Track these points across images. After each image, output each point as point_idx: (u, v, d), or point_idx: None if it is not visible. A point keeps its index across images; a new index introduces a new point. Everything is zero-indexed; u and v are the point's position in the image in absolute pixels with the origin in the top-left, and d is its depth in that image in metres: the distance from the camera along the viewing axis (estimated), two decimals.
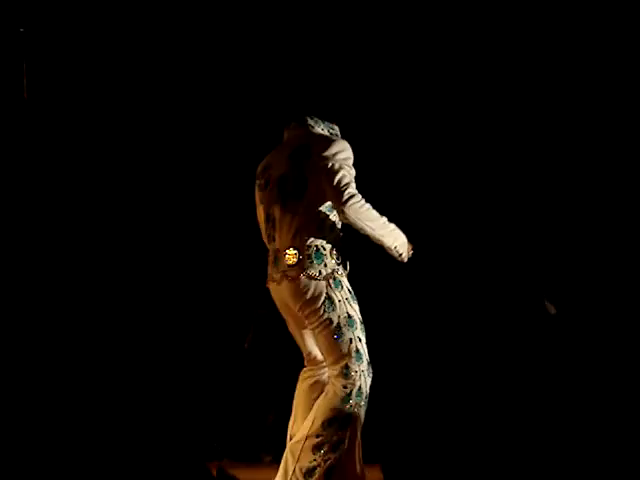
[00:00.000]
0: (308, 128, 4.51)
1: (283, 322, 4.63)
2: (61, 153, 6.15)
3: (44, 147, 6.05)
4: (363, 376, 4.33)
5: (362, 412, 4.37)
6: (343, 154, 4.30)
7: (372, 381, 4.41)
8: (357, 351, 4.33)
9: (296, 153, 4.39)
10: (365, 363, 4.35)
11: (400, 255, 4.39)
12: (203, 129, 6.41)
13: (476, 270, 6.37)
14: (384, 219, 4.33)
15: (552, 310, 6.21)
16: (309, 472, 4.33)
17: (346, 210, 4.24)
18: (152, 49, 6.25)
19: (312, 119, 4.52)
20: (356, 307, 4.38)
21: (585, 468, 4.87)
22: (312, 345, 4.52)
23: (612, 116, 6.21)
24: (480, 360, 6.26)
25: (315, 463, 4.34)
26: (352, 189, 4.25)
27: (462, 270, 6.39)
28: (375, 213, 4.30)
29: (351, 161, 4.33)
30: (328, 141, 4.36)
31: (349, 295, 4.37)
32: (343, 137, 4.50)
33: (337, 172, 4.26)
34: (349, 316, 4.33)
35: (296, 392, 4.58)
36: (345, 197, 4.22)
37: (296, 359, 4.67)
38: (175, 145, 6.35)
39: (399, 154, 6.39)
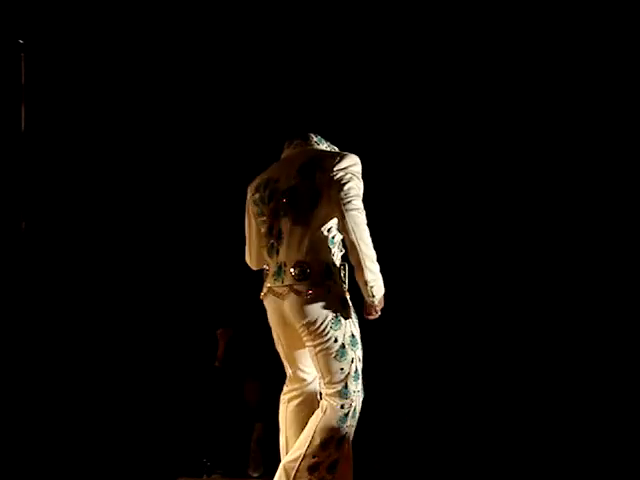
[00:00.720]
0: (313, 145, 4.48)
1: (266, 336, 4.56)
2: (60, 155, 6.17)
3: (42, 149, 6.08)
4: (358, 396, 4.29)
5: (352, 432, 4.34)
6: (355, 167, 4.26)
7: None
8: (356, 371, 4.28)
9: (307, 166, 4.33)
10: (360, 383, 4.31)
11: (371, 297, 4.24)
12: (196, 140, 6.42)
13: (474, 269, 6.38)
14: (375, 254, 4.23)
15: None
16: None
17: (348, 218, 4.17)
18: (152, 56, 6.26)
19: (316, 136, 4.49)
20: (357, 326, 4.31)
21: (583, 468, 4.97)
22: (303, 364, 4.45)
23: (612, 116, 6.20)
24: (473, 363, 6.22)
25: None
26: (358, 202, 4.20)
27: (461, 269, 6.40)
28: (370, 240, 4.21)
29: (360, 175, 4.28)
30: (340, 155, 4.30)
31: (353, 314, 4.30)
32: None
33: (347, 182, 4.20)
34: (353, 335, 4.27)
35: (282, 413, 4.51)
36: (350, 207, 4.16)
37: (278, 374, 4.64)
38: (168, 150, 6.35)
39: (397, 157, 6.42)
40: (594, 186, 6.22)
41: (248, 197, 4.54)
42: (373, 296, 4.23)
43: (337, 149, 4.50)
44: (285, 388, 4.51)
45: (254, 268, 4.61)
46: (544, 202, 6.29)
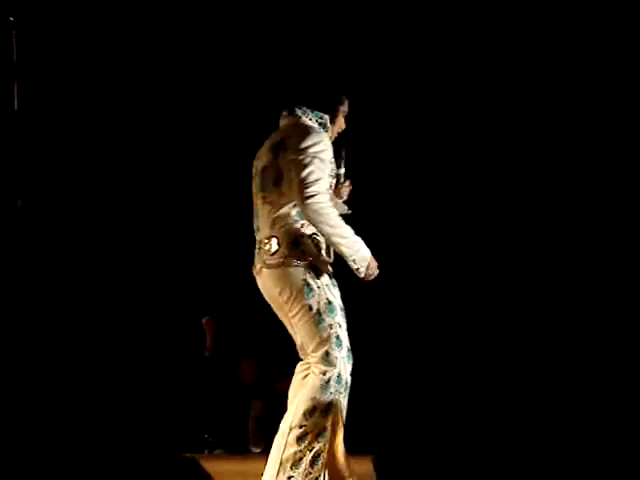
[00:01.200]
0: (296, 118, 4.43)
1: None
2: (53, 134, 6.16)
3: (38, 147, 6.09)
4: (343, 362, 4.26)
5: (343, 399, 4.31)
6: (316, 147, 4.22)
7: (356, 370, 4.33)
8: (337, 337, 4.26)
9: (276, 145, 4.33)
10: (345, 350, 4.28)
11: (357, 269, 4.27)
12: (193, 130, 6.39)
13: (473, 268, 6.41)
14: (347, 228, 4.24)
15: None
16: (295, 464, 4.28)
17: (305, 208, 4.17)
18: (147, 46, 6.24)
19: (300, 109, 4.43)
20: (337, 293, 4.31)
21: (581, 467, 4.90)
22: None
23: (612, 116, 6.23)
24: (471, 353, 6.25)
25: (300, 454, 4.28)
26: (317, 187, 4.16)
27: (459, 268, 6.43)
28: (337, 219, 4.21)
29: (326, 154, 4.25)
30: (304, 134, 4.27)
31: (329, 281, 4.30)
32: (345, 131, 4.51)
33: (305, 167, 4.18)
34: (329, 302, 4.27)
35: (291, 385, 4.49)
36: (306, 194, 4.15)
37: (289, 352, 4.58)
38: (161, 130, 6.31)
39: (395, 155, 6.44)
40: (593, 186, 6.23)
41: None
42: (358, 269, 4.24)
43: (326, 117, 4.42)
44: (300, 362, 4.49)
45: None
46: (543, 201, 6.31)
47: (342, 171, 4.56)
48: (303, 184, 4.17)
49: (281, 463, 4.30)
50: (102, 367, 6.11)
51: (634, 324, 6.07)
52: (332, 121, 4.46)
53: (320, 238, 4.31)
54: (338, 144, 4.50)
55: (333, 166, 4.35)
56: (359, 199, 5.58)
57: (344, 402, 4.32)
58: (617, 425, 5.46)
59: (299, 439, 4.28)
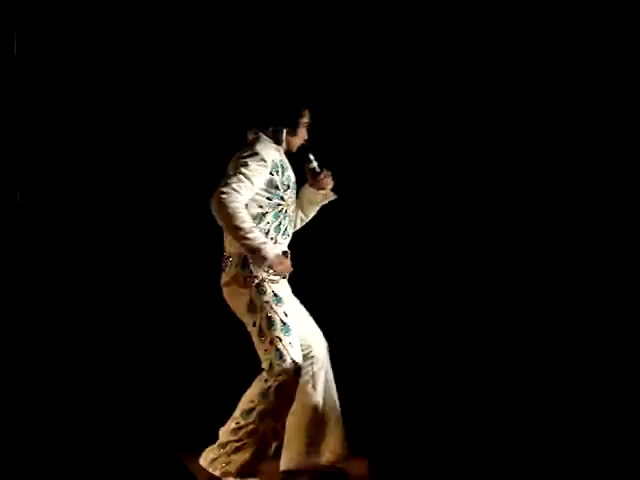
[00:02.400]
0: (256, 134, 4.82)
1: None
2: (54, 151, 6.19)
3: (36, 144, 6.13)
4: (285, 377, 4.63)
5: (283, 411, 4.70)
6: (252, 157, 4.64)
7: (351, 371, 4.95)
8: (277, 350, 4.63)
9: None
10: (289, 362, 4.63)
11: (255, 263, 4.65)
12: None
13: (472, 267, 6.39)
14: (252, 226, 4.53)
15: None
16: (232, 451, 4.72)
17: (213, 200, 4.50)
18: (145, 50, 6.25)
19: (258, 126, 4.83)
20: (280, 309, 4.67)
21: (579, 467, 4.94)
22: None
23: (611, 116, 6.22)
24: (467, 352, 6.26)
25: (231, 447, 4.72)
26: (232, 187, 4.50)
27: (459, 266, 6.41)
28: (243, 216, 4.50)
29: (261, 163, 4.60)
30: (247, 148, 4.71)
31: (272, 299, 4.68)
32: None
33: (234, 169, 4.60)
34: (269, 318, 4.65)
35: None
36: (220, 189, 4.50)
37: None
38: (162, 108, 6.30)
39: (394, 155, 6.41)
40: (593, 186, 6.24)
41: None
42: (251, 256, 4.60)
43: (283, 132, 4.79)
44: None
45: None
46: (542, 201, 6.32)
47: (314, 164, 4.94)
48: (222, 181, 4.55)
49: (218, 450, 4.76)
50: (102, 364, 6.15)
51: (634, 324, 6.09)
52: (293, 133, 4.84)
53: None
54: (305, 150, 4.93)
55: (280, 178, 4.71)
56: (360, 200, 6.11)
57: (284, 414, 4.71)
58: (617, 425, 5.51)
59: (233, 432, 4.73)
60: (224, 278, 4.76)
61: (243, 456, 4.67)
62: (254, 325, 4.70)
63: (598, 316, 6.11)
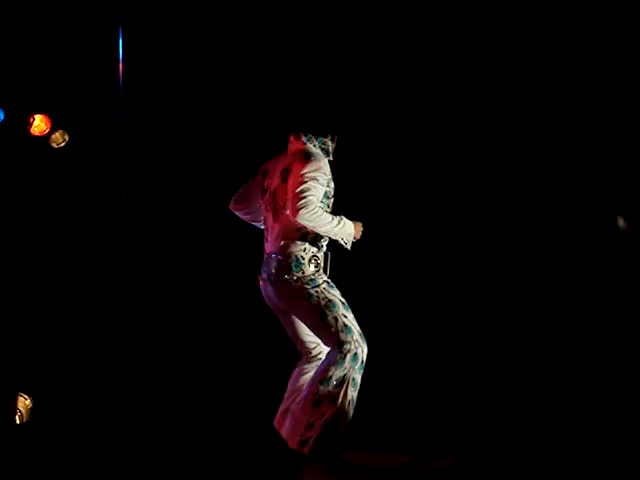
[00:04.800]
0: (301, 143, 5.14)
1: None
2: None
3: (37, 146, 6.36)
4: (357, 344, 5.03)
5: (357, 376, 5.05)
6: (314, 173, 4.98)
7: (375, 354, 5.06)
8: (345, 325, 5.02)
9: (284, 171, 5.10)
10: (356, 333, 5.06)
11: (346, 244, 5.11)
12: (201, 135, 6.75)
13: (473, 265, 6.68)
14: (334, 221, 5.00)
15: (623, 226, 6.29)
16: (309, 426, 5.02)
17: (299, 218, 4.91)
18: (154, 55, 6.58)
19: (306, 136, 5.17)
20: (336, 292, 5.09)
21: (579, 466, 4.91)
22: (303, 335, 5.25)
23: (611, 117, 6.33)
24: (468, 351, 6.52)
25: (313, 419, 5.01)
26: (306, 199, 4.91)
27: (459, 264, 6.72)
28: (326, 218, 4.97)
29: (322, 178, 4.99)
30: (306, 161, 5.01)
31: (326, 285, 5.08)
32: (343, 144, 5.21)
33: (300, 184, 4.94)
34: (329, 300, 5.04)
35: (291, 378, 5.29)
36: (298, 206, 4.90)
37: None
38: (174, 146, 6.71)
39: (396, 155, 6.71)
40: (592, 186, 6.41)
41: (260, 171, 5.31)
42: (346, 243, 5.11)
43: (329, 143, 5.14)
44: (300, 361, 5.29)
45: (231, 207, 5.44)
46: (541, 200, 6.52)
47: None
48: (295, 198, 4.92)
49: (299, 428, 5.03)
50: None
51: (634, 324, 6.21)
52: (333, 142, 5.19)
53: (319, 258, 5.11)
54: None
55: (330, 189, 5.09)
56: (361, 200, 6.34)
57: (358, 378, 5.04)
58: (617, 425, 5.47)
59: (314, 405, 5.02)
60: (274, 277, 5.09)
61: (335, 423, 4.98)
62: (316, 311, 5.02)
63: (598, 315, 6.33)
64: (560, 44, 6.38)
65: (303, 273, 5.06)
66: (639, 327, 6.23)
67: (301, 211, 4.88)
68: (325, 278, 5.11)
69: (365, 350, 5.08)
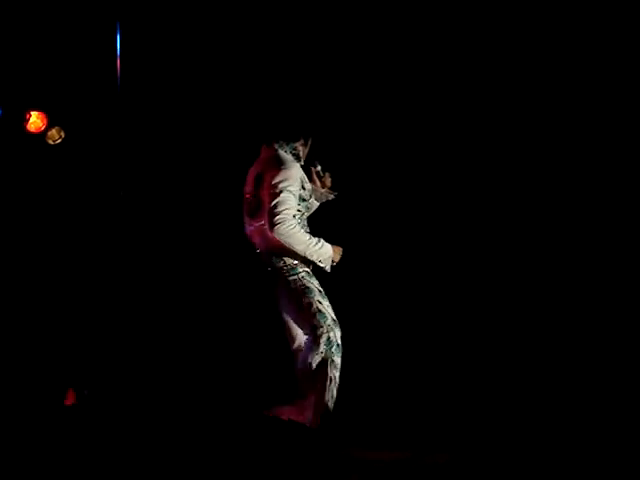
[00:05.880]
0: (273, 150, 5.29)
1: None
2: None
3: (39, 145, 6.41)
4: (329, 327, 5.24)
5: (336, 358, 5.23)
6: (285, 182, 5.16)
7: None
8: (319, 311, 5.24)
9: (257, 178, 5.29)
10: (329, 319, 5.25)
11: (324, 267, 5.28)
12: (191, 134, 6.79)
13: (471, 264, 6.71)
14: (310, 240, 5.20)
15: None
16: (299, 412, 5.27)
17: (275, 233, 5.14)
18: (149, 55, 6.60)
19: (277, 142, 5.31)
20: (314, 281, 5.27)
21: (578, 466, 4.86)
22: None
23: (611, 117, 6.34)
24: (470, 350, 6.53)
25: (302, 406, 5.27)
26: (283, 215, 5.13)
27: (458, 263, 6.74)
28: (302, 236, 5.18)
29: (294, 187, 5.16)
30: (277, 170, 5.19)
31: (305, 274, 5.26)
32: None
33: (274, 198, 5.16)
34: (306, 287, 5.26)
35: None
36: (274, 222, 5.12)
37: None
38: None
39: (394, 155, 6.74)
40: (592, 186, 6.42)
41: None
42: (325, 266, 5.29)
43: (300, 150, 5.29)
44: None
45: None
46: (541, 200, 6.53)
47: (319, 168, 5.51)
48: (271, 213, 5.13)
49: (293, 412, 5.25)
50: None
51: (634, 324, 6.23)
52: (305, 147, 5.35)
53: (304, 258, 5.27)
54: (312, 158, 5.42)
55: (306, 191, 5.26)
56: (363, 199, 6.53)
57: (337, 360, 5.22)
58: (617, 425, 5.44)
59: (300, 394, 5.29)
60: (266, 270, 5.35)
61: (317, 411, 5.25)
62: (292, 296, 5.29)
63: (597, 314, 6.34)
64: (560, 44, 6.42)
65: (284, 263, 5.26)
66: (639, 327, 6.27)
67: (277, 227, 5.13)
68: (305, 268, 5.29)
69: (338, 334, 5.26)
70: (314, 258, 5.24)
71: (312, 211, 5.48)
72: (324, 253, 5.24)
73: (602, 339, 6.34)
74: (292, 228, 5.13)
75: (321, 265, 5.29)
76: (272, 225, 5.12)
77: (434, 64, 6.60)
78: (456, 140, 6.69)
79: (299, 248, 5.17)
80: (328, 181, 5.57)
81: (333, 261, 5.31)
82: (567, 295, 6.50)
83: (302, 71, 6.55)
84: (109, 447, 4.63)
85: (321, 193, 5.55)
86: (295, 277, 5.25)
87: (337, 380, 5.24)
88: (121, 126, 6.45)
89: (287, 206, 5.12)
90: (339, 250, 5.33)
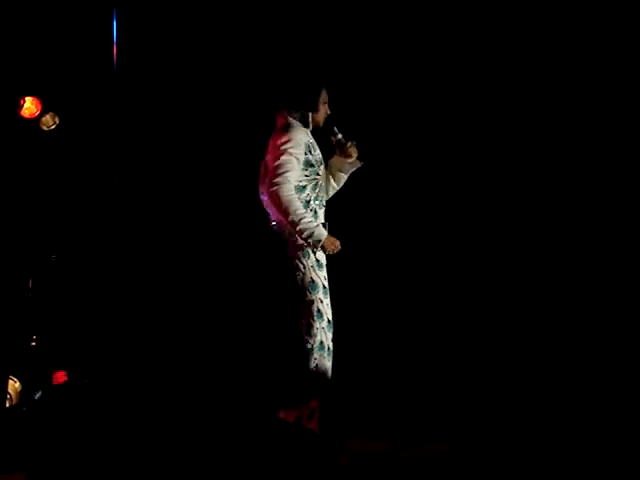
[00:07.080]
0: (284, 118, 5.25)
1: None
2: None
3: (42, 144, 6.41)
4: (323, 331, 5.17)
5: (328, 362, 5.18)
6: (288, 144, 5.11)
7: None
8: (318, 310, 5.17)
9: (268, 145, 5.23)
10: (325, 321, 5.18)
11: (312, 246, 5.11)
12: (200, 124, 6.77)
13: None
14: (305, 214, 5.06)
15: None
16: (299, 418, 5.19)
17: (270, 194, 5.06)
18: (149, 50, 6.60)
19: (287, 110, 5.26)
20: (321, 274, 5.19)
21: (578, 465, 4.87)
22: None
23: (611, 117, 6.37)
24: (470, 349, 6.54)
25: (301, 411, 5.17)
26: (282, 178, 5.05)
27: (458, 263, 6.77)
28: (297, 205, 5.05)
29: (295, 149, 5.09)
30: (282, 133, 5.17)
31: (315, 263, 5.17)
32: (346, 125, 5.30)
33: (275, 160, 5.11)
34: (313, 280, 5.17)
35: None
36: (273, 183, 5.05)
37: None
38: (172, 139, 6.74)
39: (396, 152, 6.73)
40: (592, 186, 6.45)
41: None
42: (311, 244, 5.10)
43: (308, 115, 5.21)
44: None
45: None
46: (542, 200, 6.56)
47: (340, 136, 5.36)
48: (271, 174, 5.07)
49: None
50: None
51: (634, 324, 6.28)
52: (315, 113, 5.27)
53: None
54: (330, 124, 5.33)
55: (313, 156, 5.18)
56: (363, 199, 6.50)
57: (328, 365, 5.18)
58: (617, 425, 5.43)
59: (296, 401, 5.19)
60: (271, 245, 5.26)
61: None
62: (296, 287, 5.18)
63: (597, 311, 6.39)
64: (560, 44, 6.43)
65: (296, 239, 5.14)
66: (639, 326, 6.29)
67: (274, 189, 5.05)
68: (317, 256, 5.18)
69: (330, 336, 5.20)
70: (304, 235, 5.05)
71: (338, 187, 5.40)
72: (316, 235, 5.05)
73: (601, 335, 6.36)
74: (289, 193, 5.02)
75: (307, 242, 5.07)
76: (270, 187, 5.04)
77: (434, 64, 6.61)
78: (456, 140, 6.69)
79: (291, 217, 5.02)
80: (352, 150, 5.35)
81: (326, 250, 5.13)
82: (565, 291, 6.51)
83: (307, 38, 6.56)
84: (109, 447, 4.64)
85: (348, 163, 5.37)
86: (303, 266, 5.14)
87: (328, 379, 5.18)
88: (116, 112, 6.45)
89: (287, 169, 5.05)
90: (334, 241, 5.14)
